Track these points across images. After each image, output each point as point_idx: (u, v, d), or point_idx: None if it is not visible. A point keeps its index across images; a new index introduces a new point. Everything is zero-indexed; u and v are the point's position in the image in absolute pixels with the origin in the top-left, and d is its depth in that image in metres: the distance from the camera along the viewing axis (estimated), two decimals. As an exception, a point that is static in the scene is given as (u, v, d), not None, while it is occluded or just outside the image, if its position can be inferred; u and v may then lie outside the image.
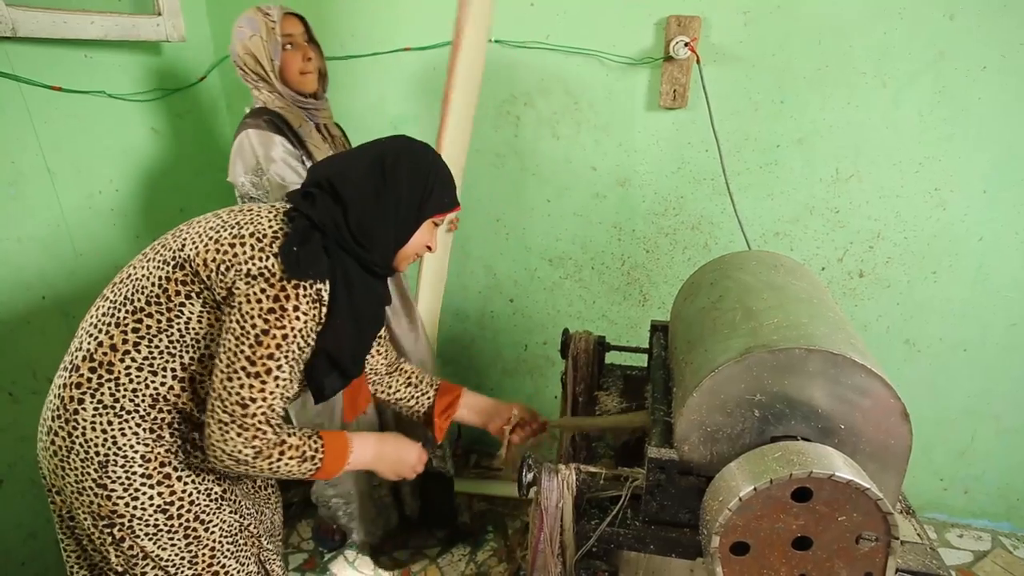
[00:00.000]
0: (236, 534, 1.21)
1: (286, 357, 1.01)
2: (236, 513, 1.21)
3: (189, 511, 1.11)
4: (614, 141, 2.02)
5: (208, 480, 1.15)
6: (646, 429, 1.18)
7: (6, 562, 1.63)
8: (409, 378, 1.44)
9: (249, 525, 1.25)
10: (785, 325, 0.96)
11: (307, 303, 1.00)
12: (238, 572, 1.22)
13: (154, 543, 1.09)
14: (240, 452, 1.03)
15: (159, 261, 1.05)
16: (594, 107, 1.99)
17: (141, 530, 1.08)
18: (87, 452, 1.04)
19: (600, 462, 1.21)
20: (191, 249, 1.03)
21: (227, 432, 1.02)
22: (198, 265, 1.02)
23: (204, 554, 1.15)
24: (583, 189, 2.10)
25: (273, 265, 0.99)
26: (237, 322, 0.99)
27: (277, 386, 1.02)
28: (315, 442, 1.11)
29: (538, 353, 2.38)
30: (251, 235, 1.02)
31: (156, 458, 1.07)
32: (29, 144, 1.58)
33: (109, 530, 1.07)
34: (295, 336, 1.00)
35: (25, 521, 1.66)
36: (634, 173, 2.04)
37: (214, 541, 1.16)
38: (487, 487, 2.35)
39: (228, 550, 1.18)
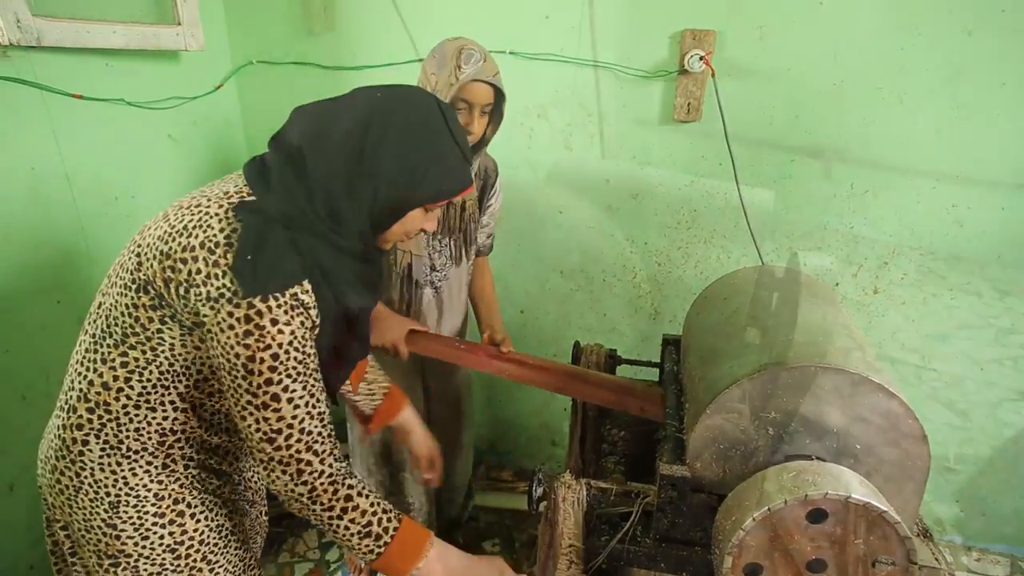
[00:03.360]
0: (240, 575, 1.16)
1: (289, 377, 0.88)
2: (242, 548, 1.16)
3: (198, 551, 1.06)
4: (627, 154, 2.01)
5: (220, 515, 1.09)
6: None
7: (15, 565, 1.63)
8: (364, 373, 1.32)
9: (250, 559, 1.19)
10: (800, 342, 0.95)
11: (284, 313, 0.86)
12: None
13: None
14: (293, 491, 0.92)
15: (121, 286, 0.93)
16: (608, 119, 1.99)
17: (145, 570, 1.02)
18: (96, 492, 0.99)
19: (611, 477, 1.19)
20: (147, 268, 0.90)
21: (272, 473, 0.92)
22: (159, 287, 0.89)
23: None
24: (596, 201, 2.09)
25: (232, 282, 0.84)
26: (221, 354, 0.87)
27: (297, 408, 0.89)
28: (389, 520, 0.95)
29: (548, 365, 2.37)
30: (200, 245, 0.86)
31: (169, 495, 1.02)
32: (49, 151, 1.60)
33: (114, 569, 1.02)
34: (287, 351, 0.87)
35: (35, 524, 1.66)
36: (647, 186, 2.03)
37: None
38: (495, 499, 2.33)
39: None
